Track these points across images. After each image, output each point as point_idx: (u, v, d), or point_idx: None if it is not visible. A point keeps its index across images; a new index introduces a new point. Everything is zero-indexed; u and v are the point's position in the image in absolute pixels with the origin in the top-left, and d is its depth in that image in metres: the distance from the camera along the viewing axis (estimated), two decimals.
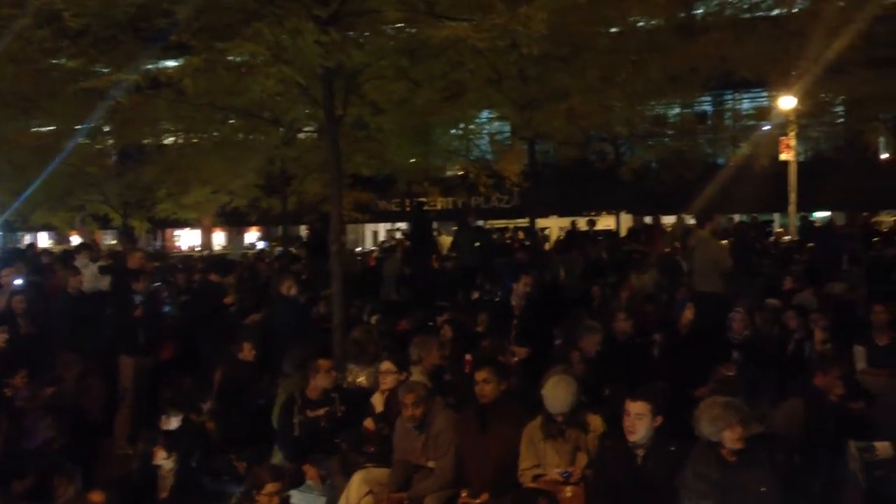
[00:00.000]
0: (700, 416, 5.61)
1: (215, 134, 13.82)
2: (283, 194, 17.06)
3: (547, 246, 17.29)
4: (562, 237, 17.99)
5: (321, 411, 7.44)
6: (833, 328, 9.65)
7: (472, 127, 17.64)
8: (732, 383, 7.84)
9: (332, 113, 9.31)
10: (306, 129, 13.66)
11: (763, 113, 21.68)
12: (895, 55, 12.67)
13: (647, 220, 17.00)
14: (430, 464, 6.48)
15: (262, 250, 24.46)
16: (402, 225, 18.68)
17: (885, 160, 22.49)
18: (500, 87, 12.55)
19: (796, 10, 13.81)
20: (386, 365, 7.42)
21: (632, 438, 5.70)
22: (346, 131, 12.14)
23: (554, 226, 25.07)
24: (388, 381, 7.29)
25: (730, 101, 25.21)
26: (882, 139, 21.28)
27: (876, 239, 16.68)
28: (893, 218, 20.19)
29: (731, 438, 5.46)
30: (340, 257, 9.35)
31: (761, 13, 14.36)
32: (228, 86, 9.58)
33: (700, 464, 5.42)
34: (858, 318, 10.32)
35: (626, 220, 18.40)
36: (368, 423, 7.14)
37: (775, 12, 14.32)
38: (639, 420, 5.69)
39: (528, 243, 15.62)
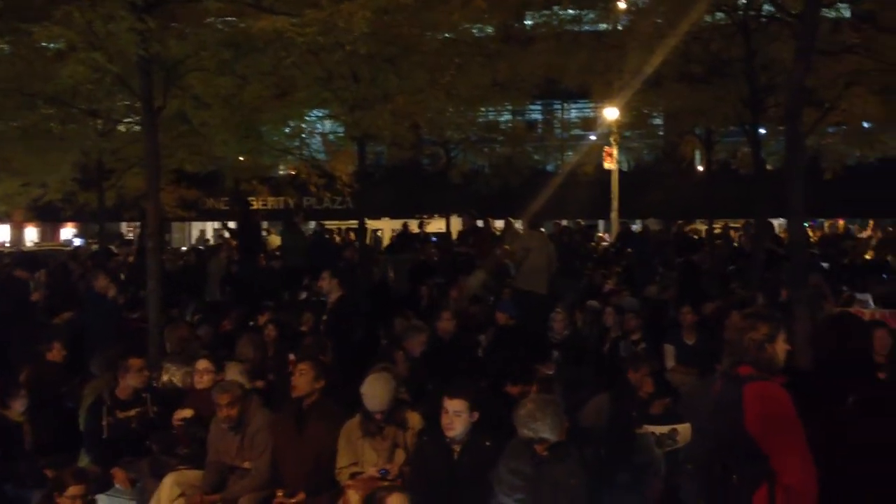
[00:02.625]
0: (516, 412, 5.68)
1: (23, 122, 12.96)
2: (100, 189, 16.26)
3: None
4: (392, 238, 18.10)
5: (132, 412, 7.12)
6: (646, 328, 10.14)
7: (303, 126, 17.36)
8: (551, 381, 8.03)
9: (150, 104, 8.94)
10: (127, 120, 13.02)
11: (589, 123, 22.55)
12: (706, 72, 13.35)
13: (479, 223, 17.32)
14: (246, 464, 6.30)
15: (77, 247, 23.26)
16: (232, 224, 18.19)
17: (701, 172, 23.81)
18: (330, 85, 12.41)
19: (619, 26, 14.38)
20: (202, 363, 7.16)
21: (450, 435, 5.72)
22: (169, 124, 11.68)
23: (386, 227, 25.17)
24: (204, 381, 7.04)
25: (558, 111, 26.10)
26: (697, 152, 22.49)
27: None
28: (706, 227, 21.35)
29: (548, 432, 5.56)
30: (157, 255, 8.97)
31: (587, 27, 14.91)
32: (37, 71, 9.02)
33: (514, 459, 5.47)
34: (669, 318, 10.87)
35: (458, 223, 18.67)
36: (179, 415, 6.86)
37: (601, 27, 14.90)
38: (456, 417, 5.71)
39: (356, 243, 15.55)
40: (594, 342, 10.35)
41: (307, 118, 17.30)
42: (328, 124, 19.29)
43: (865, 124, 15.47)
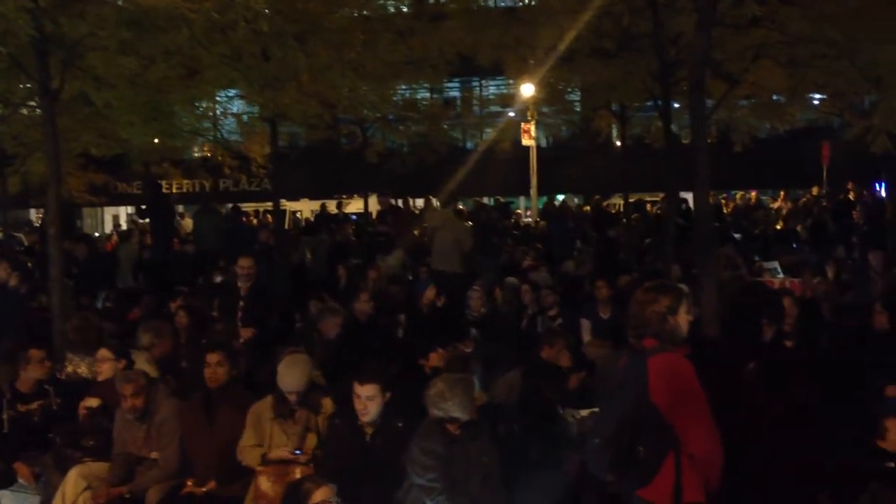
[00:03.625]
0: (427, 393, 5.65)
1: None
2: (1, 175, 15.64)
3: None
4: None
5: (34, 405, 6.90)
6: (563, 303, 10.23)
7: (215, 106, 16.98)
8: (468, 360, 8.04)
9: (47, 87, 8.61)
10: (29, 104, 12.53)
11: (506, 100, 22.57)
12: (618, 47, 13.40)
13: (397, 202, 17.24)
14: (154, 455, 6.14)
15: None
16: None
17: (617, 147, 24.08)
18: (238, 64, 12.12)
19: (531, 1, 14.35)
20: (102, 352, 6.94)
21: (364, 419, 5.66)
22: (72, 107, 11.28)
23: (305, 208, 24.88)
24: (104, 370, 6.83)
25: (476, 88, 26.07)
26: (614, 127, 22.72)
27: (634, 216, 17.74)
28: (624, 201, 21.64)
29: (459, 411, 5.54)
30: (57, 242, 8.67)
31: (500, 3, 14.87)
32: None
33: (426, 439, 5.45)
34: (586, 293, 10.98)
35: (376, 203, 18.56)
36: (85, 403, 6.66)
37: (513, 2, 14.87)
38: (369, 402, 5.65)
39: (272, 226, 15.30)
40: (512, 319, 10.39)
41: (218, 99, 16.91)
42: (241, 105, 18.87)
43: (774, 97, 15.77)
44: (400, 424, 5.66)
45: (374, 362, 6.42)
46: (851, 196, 19.13)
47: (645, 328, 4.52)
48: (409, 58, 14.48)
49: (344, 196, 21.69)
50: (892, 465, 5.65)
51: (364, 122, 19.74)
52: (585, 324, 9.73)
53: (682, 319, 4.53)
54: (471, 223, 14.20)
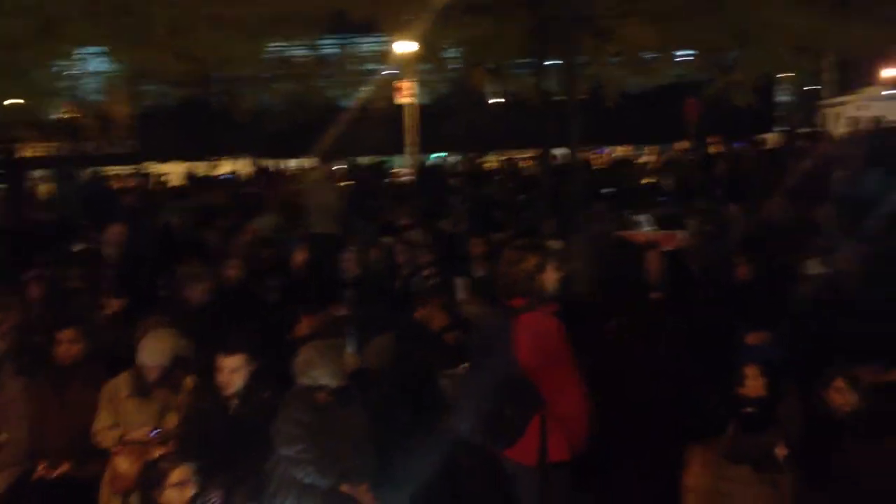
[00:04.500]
0: (294, 361, 5.49)
1: None
2: None
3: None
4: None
5: None
6: (439, 262, 10.15)
7: (74, 65, 16.07)
8: (343, 322, 7.89)
9: None
10: None
11: (383, 57, 22.20)
12: (494, 3, 13.32)
13: (270, 164, 16.79)
14: (1, 437, 5.77)
15: None
16: None
17: (493, 104, 24.10)
18: (97, 20, 11.48)
19: None
20: None
21: (228, 392, 5.45)
22: None
23: (175, 171, 24.00)
24: None
25: (352, 45, 25.57)
26: (491, 83, 22.68)
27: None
28: (499, 158, 21.73)
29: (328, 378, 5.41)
30: None
31: None
32: None
33: (293, 408, 5.29)
34: (462, 251, 10.94)
35: (247, 165, 18.03)
36: None
37: None
38: (234, 374, 5.45)
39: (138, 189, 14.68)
40: (387, 279, 10.26)
41: (77, 56, 16.02)
42: (101, 63, 17.94)
43: (643, 54, 16.03)
44: (267, 395, 5.48)
45: (239, 331, 6.19)
46: (716, 149, 19.73)
47: (513, 287, 4.51)
48: (281, 13, 14.02)
49: (214, 158, 21.00)
50: (751, 409, 5.82)
51: (235, 80, 19.10)
52: (461, 282, 9.70)
53: (550, 277, 4.53)
54: (346, 183, 13.97)
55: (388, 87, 21.84)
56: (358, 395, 5.56)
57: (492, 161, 22.21)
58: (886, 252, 8.24)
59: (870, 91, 25.54)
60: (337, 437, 5.28)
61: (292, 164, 18.76)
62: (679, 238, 10.31)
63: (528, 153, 22.05)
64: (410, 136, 22.10)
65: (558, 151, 14.02)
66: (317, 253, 10.00)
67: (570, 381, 4.43)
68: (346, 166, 18.41)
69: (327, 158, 12.43)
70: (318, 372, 5.36)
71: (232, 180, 18.45)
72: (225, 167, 21.33)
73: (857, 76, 25.53)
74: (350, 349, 7.33)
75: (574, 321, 5.01)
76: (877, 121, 14.08)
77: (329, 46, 24.34)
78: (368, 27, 18.85)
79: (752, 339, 6.93)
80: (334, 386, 5.39)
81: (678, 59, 18.48)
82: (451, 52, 20.15)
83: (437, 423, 6.32)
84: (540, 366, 4.34)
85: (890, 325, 6.60)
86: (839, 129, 19.87)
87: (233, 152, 20.46)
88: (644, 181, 16.99)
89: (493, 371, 4.42)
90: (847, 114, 21.76)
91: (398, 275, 10.20)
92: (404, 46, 18.91)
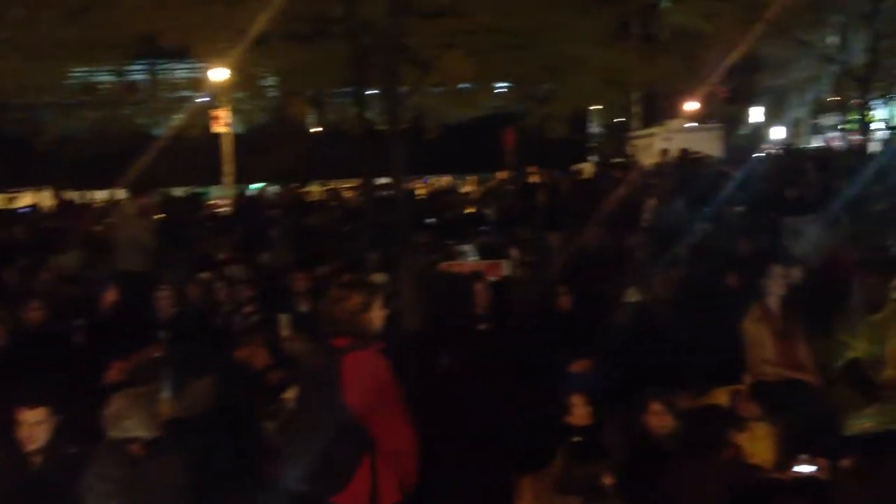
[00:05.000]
0: (104, 412, 5.10)
1: None
2: None
3: None
4: None
5: None
6: (261, 298, 9.83)
7: None
8: (159, 365, 7.46)
9: None
10: None
11: (197, 84, 21.56)
12: (313, 31, 13.18)
13: (74, 195, 15.84)
14: None
15: None
16: None
17: (314, 133, 23.88)
18: None
19: None
20: None
21: (29, 448, 4.98)
22: None
23: None
24: None
25: (164, 71, 24.72)
26: (310, 113, 22.48)
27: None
28: (322, 189, 21.50)
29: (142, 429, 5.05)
30: None
31: None
32: None
33: (104, 463, 4.90)
34: (284, 286, 10.65)
35: (49, 197, 16.94)
36: None
37: None
38: (36, 428, 4.98)
39: None
40: (206, 318, 9.83)
41: None
42: None
43: (463, 85, 16.30)
44: (73, 450, 5.04)
45: (41, 380, 5.70)
46: (535, 179, 20.31)
47: (338, 326, 4.37)
48: (85, 37, 13.28)
49: (13, 189, 19.63)
50: (578, 439, 5.90)
51: (35, 108, 17.94)
52: (284, 318, 9.43)
53: (376, 315, 4.42)
54: (159, 216, 13.32)
55: (204, 114, 21.22)
56: (174, 445, 5.22)
57: (314, 191, 21.95)
58: (694, 280, 8.67)
59: (674, 123, 27.19)
60: (152, 491, 4.92)
61: (99, 195, 17.78)
62: (503, 268, 10.45)
63: (351, 183, 22.00)
64: (227, 165, 21.54)
65: (382, 181, 14.00)
66: (127, 291, 9.43)
67: (398, 420, 4.33)
68: (158, 198, 17.61)
69: (138, 189, 11.78)
70: (130, 423, 5.00)
71: (32, 214, 17.26)
72: (25, 199, 19.92)
73: (662, 109, 27.12)
74: (166, 394, 6.94)
75: (402, 357, 4.91)
76: (683, 152, 14.90)
77: (139, 72, 23.42)
78: (181, 53, 18.28)
79: (576, 367, 7.07)
80: (148, 437, 5.03)
81: (497, 91, 18.95)
82: (270, 80, 19.83)
83: (262, 470, 6.06)
84: (367, 406, 4.21)
85: (700, 351, 6.92)
86: (649, 159, 20.95)
87: (33, 183, 19.14)
88: (466, 211, 17.22)
89: (320, 413, 4.25)
90: (656, 145, 23.04)
91: (217, 312, 9.80)
92: (219, 74, 18.42)
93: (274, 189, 22.65)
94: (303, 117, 21.15)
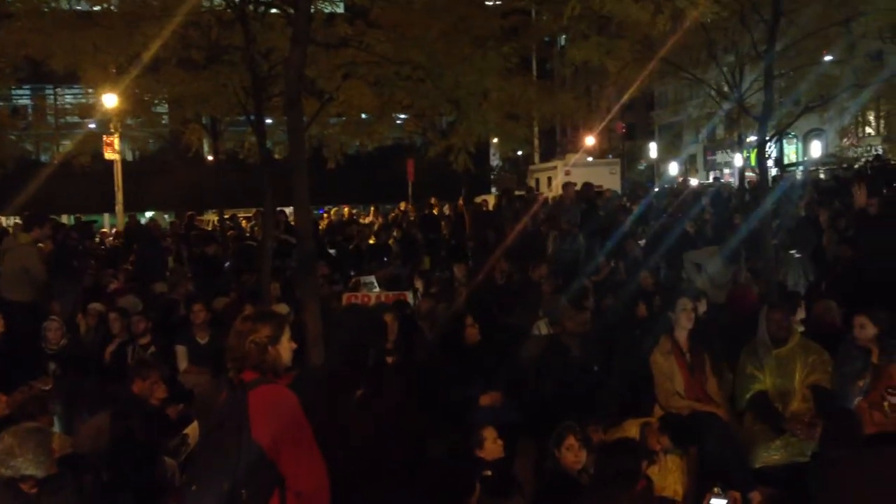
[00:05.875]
0: None
1: None
2: None
3: None
4: None
5: None
6: (156, 329, 9.49)
7: None
8: (47, 399, 7.05)
9: None
10: None
11: (87, 110, 20.85)
12: (207, 59, 12.89)
13: None
14: None
15: None
16: None
17: (210, 162, 23.39)
18: None
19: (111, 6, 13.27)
20: None
21: None
22: None
23: None
24: None
25: (51, 97, 23.86)
26: (206, 141, 22.00)
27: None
28: (217, 218, 21.00)
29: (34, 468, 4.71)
30: None
31: (78, 6, 13.53)
32: None
33: None
34: (181, 317, 10.32)
35: None
36: None
37: (88, 7, 13.62)
38: None
39: None
40: (98, 350, 9.41)
41: None
42: None
43: (364, 115, 16.19)
44: None
45: None
46: (436, 210, 20.34)
47: (244, 360, 4.19)
48: None
49: None
50: (490, 473, 5.81)
51: None
52: (181, 350, 9.12)
53: (285, 348, 4.27)
54: (48, 245, 12.72)
55: (93, 141, 20.48)
56: (70, 483, 4.90)
57: (210, 220, 21.47)
58: (603, 313, 8.74)
59: (574, 157, 27.73)
60: None
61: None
62: (407, 299, 10.35)
63: (249, 212, 21.59)
64: (119, 193, 20.85)
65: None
66: (15, 322, 8.94)
67: (309, 456, 4.18)
68: (48, 226, 16.87)
69: (30, 221, 11.23)
70: (20, 461, 4.67)
71: None
72: None
73: (561, 143, 27.68)
74: (58, 429, 6.55)
75: (311, 391, 4.73)
76: (586, 186, 15.15)
77: (24, 97, 22.52)
78: (70, 78, 17.61)
79: (485, 400, 6.99)
80: (41, 475, 4.70)
81: (399, 122, 18.91)
82: (164, 107, 19.30)
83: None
84: (277, 442, 4.05)
85: (610, 384, 6.95)
86: (550, 192, 21.26)
87: None
88: (369, 241, 17.09)
89: (226, 449, 4.04)
90: (556, 178, 23.46)
91: (110, 344, 9.39)
92: (111, 99, 17.82)
93: (167, 217, 22.06)
94: (199, 145, 20.59)
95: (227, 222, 17.59)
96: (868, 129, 31.20)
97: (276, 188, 11.34)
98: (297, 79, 8.26)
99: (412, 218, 19.50)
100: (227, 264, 14.33)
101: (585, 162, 27.26)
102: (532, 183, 27.04)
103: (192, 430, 6.49)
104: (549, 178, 25.78)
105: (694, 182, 31.92)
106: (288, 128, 8.59)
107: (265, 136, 12.64)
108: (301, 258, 8.09)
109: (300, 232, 8.32)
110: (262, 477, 4.00)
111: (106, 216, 24.28)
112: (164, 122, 20.91)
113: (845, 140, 31.52)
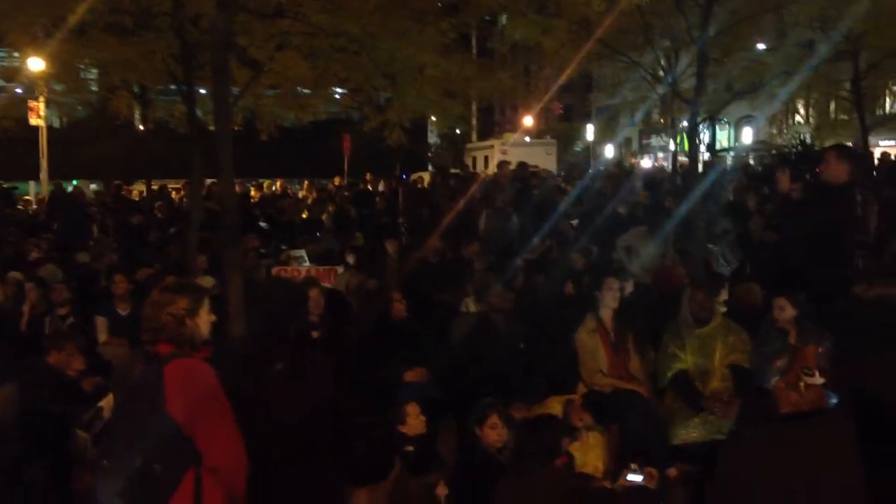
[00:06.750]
0: None
1: None
2: None
3: None
4: None
5: None
6: (77, 300, 9.27)
7: None
8: None
9: None
10: None
11: (11, 73, 20.17)
12: (137, 24, 12.54)
13: None
14: None
15: None
16: None
17: (139, 131, 22.87)
18: None
19: None
20: None
21: None
22: None
23: None
24: None
25: None
26: (137, 110, 21.48)
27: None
28: (147, 188, 20.53)
29: None
30: None
31: None
32: None
33: None
34: (103, 288, 10.10)
35: None
36: None
37: None
38: None
39: None
40: (13, 320, 9.14)
41: None
42: None
43: (299, 88, 15.94)
44: None
45: None
46: (371, 186, 20.22)
47: (160, 332, 4.08)
48: None
49: None
50: (411, 448, 5.79)
51: None
52: (101, 321, 8.93)
53: (203, 321, 4.16)
54: None
55: (17, 106, 19.83)
56: None
57: (141, 190, 20.95)
58: (530, 291, 8.77)
59: (512, 137, 27.78)
60: None
61: None
62: (337, 274, 10.26)
63: (181, 183, 21.14)
64: (44, 160, 20.26)
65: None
66: None
67: (226, 432, 4.08)
68: None
69: None
70: None
71: None
72: None
73: (499, 122, 27.70)
74: None
75: (230, 365, 4.64)
76: (521, 165, 15.17)
77: None
78: None
79: (410, 376, 6.96)
80: None
81: (337, 97, 18.67)
82: (92, 73, 18.75)
83: (76, 484, 5.63)
84: (193, 416, 3.95)
85: (535, 362, 6.97)
86: (487, 171, 21.27)
87: None
88: (302, 216, 16.90)
89: (140, 424, 3.94)
90: (494, 157, 23.47)
91: (27, 314, 9.12)
92: (36, 63, 17.24)
93: (95, 186, 21.53)
94: (128, 113, 20.07)
95: (156, 193, 17.19)
96: (798, 118, 31.88)
97: (207, 159, 11.12)
98: (224, 46, 8.06)
99: (346, 193, 19.33)
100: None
101: (522, 142, 27.36)
102: (469, 162, 27.05)
103: (108, 402, 6.33)
104: (486, 157, 25.85)
105: (648, 164, 32.35)
106: (213, 97, 8.39)
107: (195, 106, 12.37)
108: (225, 230, 7.93)
109: (223, 203, 8.17)
110: (176, 453, 3.91)
111: (31, 184, 23.56)
112: (92, 88, 20.35)
113: (774, 127, 32.17)
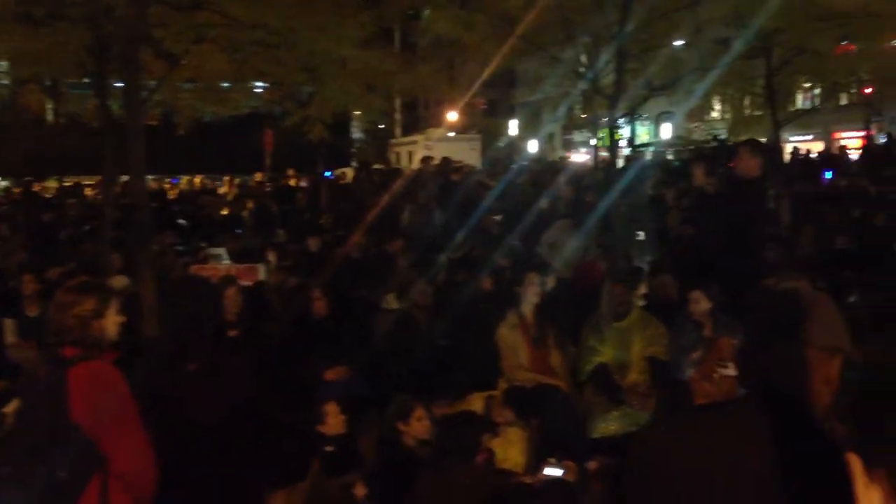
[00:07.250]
0: None
1: None
2: None
3: None
4: None
5: None
6: None
7: None
8: None
9: None
10: None
11: None
12: (48, 15, 12.13)
13: None
14: None
15: None
16: None
17: (52, 124, 22.22)
18: None
19: None
20: None
21: None
22: None
23: None
24: None
25: None
26: (50, 103, 20.85)
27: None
28: (59, 184, 19.95)
29: None
30: None
31: None
32: None
33: None
34: (10, 289, 9.77)
35: None
36: None
37: None
38: None
39: None
40: None
41: None
42: None
43: (219, 82, 15.62)
44: None
45: None
46: (293, 182, 19.97)
47: (66, 334, 3.94)
48: None
49: None
50: (331, 448, 5.72)
51: None
52: (9, 323, 8.63)
53: (110, 322, 4.03)
54: None
55: None
56: None
57: (51, 186, 20.31)
58: (452, 287, 8.75)
59: (435, 132, 27.73)
60: None
61: None
62: (258, 272, 10.09)
63: (93, 179, 20.58)
64: None
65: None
66: None
67: (133, 437, 3.98)
68: None
69: None
70: None
71: None
72: None
73: (423, 118, 27.64)
74: None
75: (142, 367, 4.50)
76: (445, 161, 15.16)
77: None
78: None
79: (330, 374, 6.88)
80: None
81: (256, 91, 18.38)
82: (2, 66, 18.18)
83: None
84: (99, 421, 3.83)
85: (456, 358, 6.96)
86: (410, 166, 21.21)
87: None
88: (222, 212, 16.60)
89: (43, 429, 3.81)
90: (417, 152, 23.40)
91: None
92: None
93: (4, 183, 20.83)
94: (38, 107, 19.47)
95: (68, 189, 16.69)
96: (714, 113, 32.57)
97: (120, 154, 10.83)
98: (134, 38, 7.85)
99: (267, 189, 19.06)
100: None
101: (447, 137, 27.35)
102: (393, 157, 26.97)
103: (13, 408, 6.09)
104: (410, 153, 25.76)
105: (582, 158, 32.55)
106: (123, 90, 8.17)
107: (108, 99, 12.03)
108: (138, 228, 7.73)
109: (135, 200, 7.97)
110: (81, 458, 3.79)
111: None
112: (1, 81, 19.74)
113: (692, 123, 32.81)
